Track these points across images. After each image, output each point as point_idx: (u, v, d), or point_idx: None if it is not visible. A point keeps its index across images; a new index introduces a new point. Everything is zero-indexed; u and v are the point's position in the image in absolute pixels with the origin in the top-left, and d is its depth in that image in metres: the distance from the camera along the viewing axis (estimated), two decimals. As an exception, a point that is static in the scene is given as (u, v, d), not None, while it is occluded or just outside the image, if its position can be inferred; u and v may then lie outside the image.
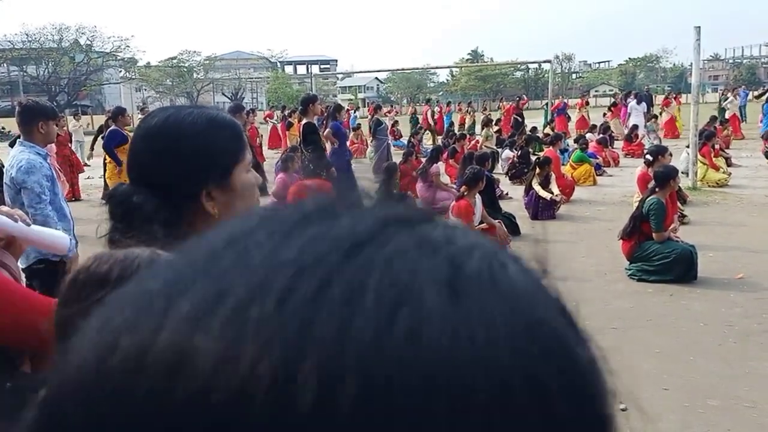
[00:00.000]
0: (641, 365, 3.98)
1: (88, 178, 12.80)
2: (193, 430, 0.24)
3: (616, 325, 4.66)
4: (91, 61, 59.51)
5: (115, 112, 9.17)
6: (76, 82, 59.86)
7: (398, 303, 0.25)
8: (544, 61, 28.12)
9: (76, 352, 0.28)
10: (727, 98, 21.28)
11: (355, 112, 26.83)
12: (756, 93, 19.49)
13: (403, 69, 52.48)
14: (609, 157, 13.51)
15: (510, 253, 0.30)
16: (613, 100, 22.74)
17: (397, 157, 11.79)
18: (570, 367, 0.27)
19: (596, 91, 68.37)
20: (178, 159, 1.09)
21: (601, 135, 14.68)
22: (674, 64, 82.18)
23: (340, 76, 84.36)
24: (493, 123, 17.98)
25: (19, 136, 4.16)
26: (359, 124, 20.39)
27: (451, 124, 21.75)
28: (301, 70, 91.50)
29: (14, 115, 4.25)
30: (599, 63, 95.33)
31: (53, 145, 5.63)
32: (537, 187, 8.50)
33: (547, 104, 21.61)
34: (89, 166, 13.61)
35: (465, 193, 6.36)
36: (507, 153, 12.93)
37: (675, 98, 20.33)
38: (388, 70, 65.83)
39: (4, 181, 3.99)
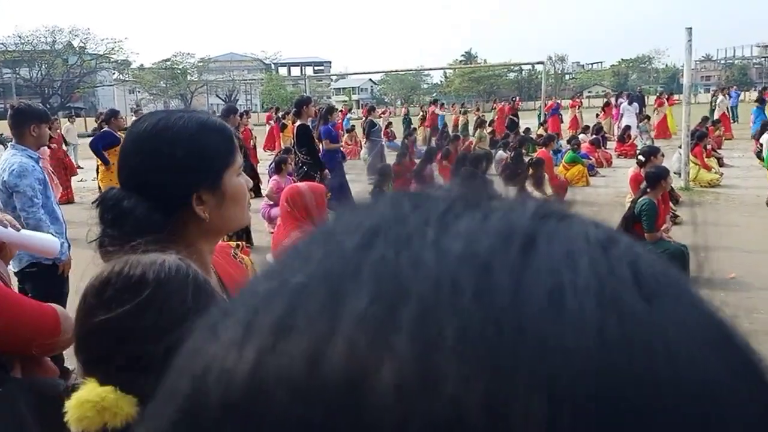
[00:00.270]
0: (633, 365, 4.00)
1: (81, 180, 12.78)
2: None
3: (609, 325, 4.68)
4: (84, 63, 59.47)
5: (108, 114, 9.16)
6: (70, 84, 59.76)
7: (602, 309, 0.21)
8: (537, 63, 28.25)
9: (195, 373, 0.23)
10: (717, 98, 21.42)
11: (349, 113, 26.85)
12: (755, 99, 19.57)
13: (396, 70, 52.57)
14: (602, 158, 13.57)
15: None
16: (605, 100, 22.85)
17: (391, 158, 11.82)
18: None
19: (589, 92, 68.63)
20: (168, 163, 1.10)
21: (593, 136, 14.76)
22: (666, 65, 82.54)
23: (334, 77, 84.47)
24: (487, 124, 18.05)
25: (11, 139, 4.15)
26: (353, 125, 20.41)
27: (445, 125, 21.79)
28: (295, 71, 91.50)
29: (6, 118, 4.25)
30: (592, 64, 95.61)
31: (46, 148, 5.64)
32: (530, 189, 8.54)
33: (541, 106, 21.69)
34: (82, 168, 13.60)
35: (458, 195, 6.38)
36: (500, 154, 12.96)
37: (668, 99, 20.42)
38: (382, 72, 65.92)
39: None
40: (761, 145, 12.63)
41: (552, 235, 0.24)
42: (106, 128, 8.75)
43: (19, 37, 57.40)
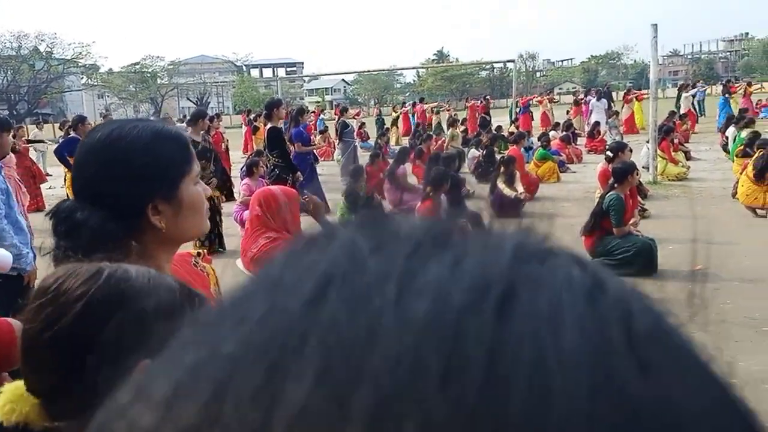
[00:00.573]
0: (604, 358, 4.06)
1: (50, 188, 12.57)
2: None
3: (580, 319, 4.74)
4: (51, 69, 58.37)
5: (75, 120, 9.05)
6: (37, 90, 58.61)
7: (593, 393, 0.19)
8: (508, 61, 28.49)
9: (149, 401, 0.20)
10: (682, 94, 21.83)
11: (322, 114, 26.79)
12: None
13: (369, 70, 52.54)
14: (572, 154, 13.75)
15: (658, 301, 0.25)
16: (573, 98, 23.13)
17: (364, 158, 11.82)
18: None
19: (560, 88, 69.30)
20: (122, 173, 1.10)
21: (564, 132, 14.93)
22: (635, 61, 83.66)
23: (306, 78, 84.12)
24: (459, 123, 18.15)
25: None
26: (326, 126, 20.38)
27: (418, 124, 21.87)
28: (268, 73, 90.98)
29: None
30: (562, 61, 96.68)
31: (12, 156, 5.54)
32: (501, 186, 8.61)
33: (514, 103, 21.88)
34: (51, 175, 13.38)
35: (430, 194, 6.41)
36: (473, 152, 13.05)
37: (637, 97, 20.72)
38: (355, 72, 65.71)
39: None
40: (727, 138, 12.92)
41: (533, 285, 0.21)
42: (72, 134, 8.63)
43: (-17, 43, 56.25)
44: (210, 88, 75.24)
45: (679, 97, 22.04)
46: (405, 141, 19.14)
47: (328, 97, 77.72)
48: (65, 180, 9.04)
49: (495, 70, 76.37)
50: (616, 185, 5.78)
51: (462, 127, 18.37)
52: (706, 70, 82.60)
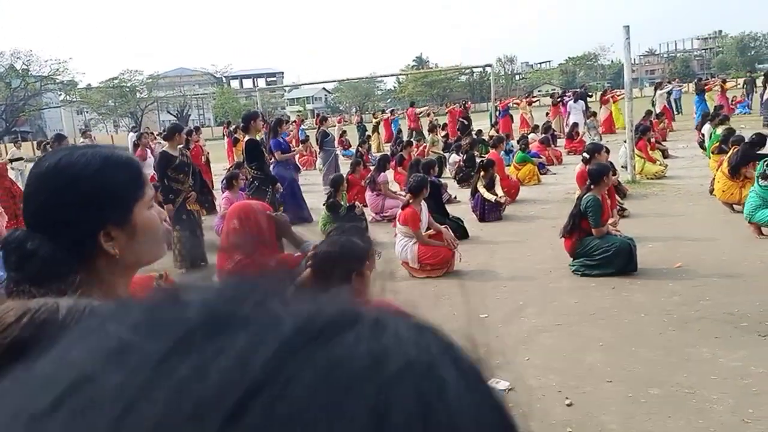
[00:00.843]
0: (585, 359, 4.08)
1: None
2: None
3: (561, 321, 4.77)
4: (28, 86, 57.75)
5: (54, 139, 8.99)
6: (14, 108, 57.96)
7: None
8: (486, 65, 28.60)
9: None
10: (656, 93, 22.11)
11: (302, 123, 26.76)
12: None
13: (349, 79, 52.58)
14: (552, 156, 13.83)
15: (452, 354, 0.25)
16: (551, 100, 23.31)
17: (347, 167, 11.81)
18: None
19: (539, 90, 69.76)
20: (72, 200, 1.08)
21: (543, 134, 15.03)
22: (612, 61, 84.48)
23: (287, 88, 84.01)
24: (440, 128, 18.21)
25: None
26: (307, 136, 20.35)
27: (399, 131, 21.91)
28: (248, 83, 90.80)
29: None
30: (540, 63, 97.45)
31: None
32: (482, 190, 8.64)
33: (495, 107, 21.99)
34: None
35: (410, 201, 6.42)
36: (454, 157, 13.09)
37: (613, 98, 20.92)
38: (335, 81, 65.84)
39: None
40: (703, 135, 13.07)
41: (287, 384, 0.21)
42: (49, 153, 8.54)
43: (-42, 63, 55.56)
44: (190, 101, 74.90)
45: (654, 96, 22.32)
46: (387, 148, 19.16)
47: (309, 106, 77.66)
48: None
49: (474, 75, 76.81)
50: (592, 186, 5.82)
51: (443, 132, 18.43)
52: (682, 68, 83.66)
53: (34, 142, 37.30)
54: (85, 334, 0.24)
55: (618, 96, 20.45)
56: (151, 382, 0.21)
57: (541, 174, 11.90)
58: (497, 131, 16.92)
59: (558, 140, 16.81)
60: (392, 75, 74.27)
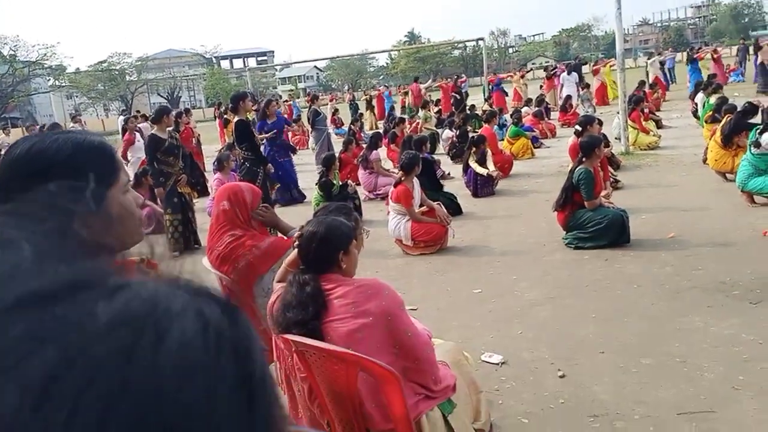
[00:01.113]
0: (579, 332, 4.10)
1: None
2: None
3: (554, 294, 4.78)
4: (16, 72, 57.07)
5: (50, 128, 8.91)
6: (3, 94, 57.35)
7: None
8: (478, 39, 28.31)
9: None
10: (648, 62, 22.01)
11: (295, 101, 26.59)
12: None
13: (341, 56, 51.98)
14: (546, 129, 13.78)
15: (176, 306, 0.29)
16: (545, 72, 23.17)
17: (340, 145, 11.75)
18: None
19: (533, 63, 69.36)
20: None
21: (536, 108, 14.96)
22: (606, 32, 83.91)
23: (278, 67, 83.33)
24: (433, 104, 18.10)
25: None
26: (299, 114, 20.21)
27: (392, 108, 21.78)
28: (238, 63, 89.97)
29: None
30: (534, 36, 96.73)
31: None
32: (474, 165, 8.62)
33: (487, 81, 21.86)
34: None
35: (402, 179, 6.39)
36: (447, 133, 13.03)
37: (603, 65, 20.82)
38: (327, 59, 65.22)
39: None
40: (696, 104, 13.03)
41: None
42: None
43: (-56, 49, 54.81)
44: (180, 83, 74.23)
45: (647, 66, 22.21)
46: (381, 125, 19.06)
47: (301, 85, 77.12)
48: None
49: (468, 49, 76.24)
50: (584, 159, 5.80)
51: (436, 108, 18.34)
52: (676, 37, 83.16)
53: (24, 128, 36.99)
54: None
55: (608, 62, 20.36)
56: None
57: (534, 148, 11.86)
58: (491, 105, 16.83)
59: (552, 113, 16.74)
60: (384, 51, 73.57)
